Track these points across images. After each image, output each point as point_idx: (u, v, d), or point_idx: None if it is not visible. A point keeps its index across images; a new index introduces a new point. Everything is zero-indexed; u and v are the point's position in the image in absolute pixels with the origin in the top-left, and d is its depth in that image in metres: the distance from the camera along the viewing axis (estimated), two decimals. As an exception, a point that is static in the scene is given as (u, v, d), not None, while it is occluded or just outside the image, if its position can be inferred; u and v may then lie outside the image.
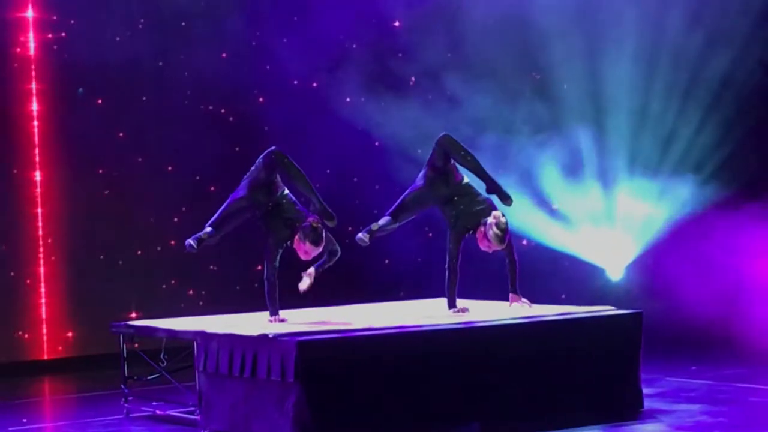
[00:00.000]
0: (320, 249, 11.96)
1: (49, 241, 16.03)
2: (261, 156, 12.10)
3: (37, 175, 16.02)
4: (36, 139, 16.08)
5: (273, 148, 12.10)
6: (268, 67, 16.99)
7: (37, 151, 16.00)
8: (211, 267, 16.15)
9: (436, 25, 17.15)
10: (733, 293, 15.50)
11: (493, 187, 12.44)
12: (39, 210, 15.98)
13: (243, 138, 16.37)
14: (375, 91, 17.02)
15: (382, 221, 12.39)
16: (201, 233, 12.08)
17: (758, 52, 16.61)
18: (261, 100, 16.92)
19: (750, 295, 15.52)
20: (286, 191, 12.11)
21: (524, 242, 16.31)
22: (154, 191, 16.47)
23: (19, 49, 15.98)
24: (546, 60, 17.10)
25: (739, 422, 11.42)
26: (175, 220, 16.38)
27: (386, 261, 16.32)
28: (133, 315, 15.10)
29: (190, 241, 12.07)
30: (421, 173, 12.54)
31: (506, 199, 12.46)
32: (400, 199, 12.52)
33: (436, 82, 17.18)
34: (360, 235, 12.33)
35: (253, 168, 12.13)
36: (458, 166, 12.45)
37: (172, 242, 16.13)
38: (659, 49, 16.86)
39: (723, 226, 16.01)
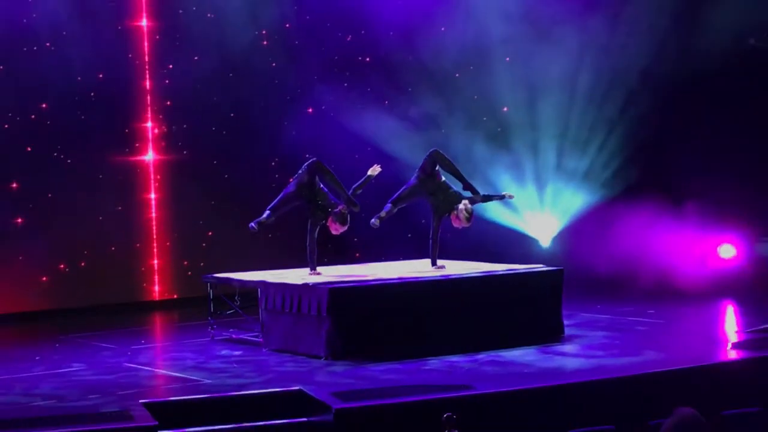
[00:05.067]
0: (346, 228, 12.01)
1: (163, 202, 15.82)
2: (305, 164, 12.17)
3: (150, 154, 15.75)
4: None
5: (314, 159, 12.17)
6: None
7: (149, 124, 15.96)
8: (270, 235, 16.13)
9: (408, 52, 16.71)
10: (625, 257, 15.49)
11: (468, 186, 12.49)
12: (152, 185, 15.83)
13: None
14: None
15: (386, 209, 12.36)
16: (261, 217, 12.11)
17: (650, 89, 16.61)
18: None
19: (636, 258, 15.51)
20: (322, 185, 12.17)
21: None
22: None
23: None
24: (497, 92, 17.09)
25: (630, 344, 11.46)
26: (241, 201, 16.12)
27: (409, 235, 15.96)
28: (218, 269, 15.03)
29: (253, 224, 12.11)
30: (414, 175, 12.56)
31: (477, 194, 12.53)
32: (398, 192, 12.48)
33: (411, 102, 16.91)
34: (373, 220, 12.28)
35: (299, 172, 12.17)
36: (440, 170, 12.48)
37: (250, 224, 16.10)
38: (576, 89, 16.82)
39: (620, 212, 16.01)
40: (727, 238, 16.26)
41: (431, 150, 12.51)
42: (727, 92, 16.23)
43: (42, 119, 15.01)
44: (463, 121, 16.89)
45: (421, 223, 14.91)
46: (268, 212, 12.12)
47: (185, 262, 15.86)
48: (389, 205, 12.39)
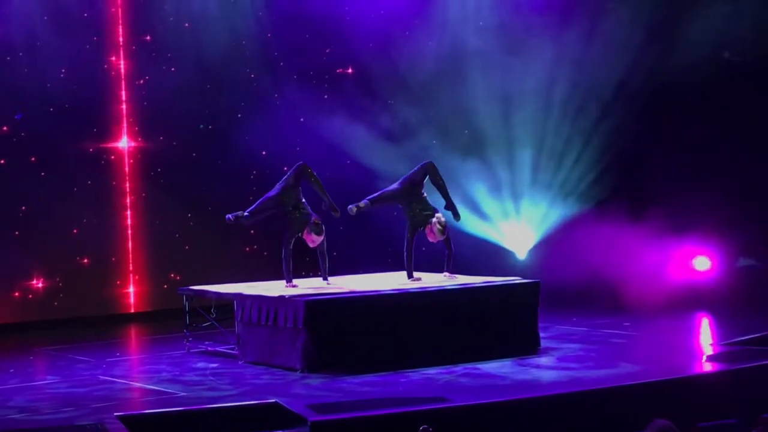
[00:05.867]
0: (322, 238, 12.00)
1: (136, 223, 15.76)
2: (293, 168, 12.19)
3: (126, 166, 15.72)
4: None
5: (301, 162, 12.21)
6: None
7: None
8: (246, 249, 16.14)
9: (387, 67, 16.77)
10: (601, 269, 15.52)
11: (450, 206, 12.54)
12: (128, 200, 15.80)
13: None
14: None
15: (364, 202, 12.39)
16: (240, 213, 12.13)
17: (625, 102, 16.69)
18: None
19: (611, 270, 15.54)
20: (303, 200, 12.15)
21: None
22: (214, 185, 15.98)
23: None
24: (473, 104, 17.10)
25: (605, 356, 11.50)
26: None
27: (389, 249, 15.64)
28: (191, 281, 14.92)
29: (230, 215, 12.16)
30: (401, 180, 12.58)
31: (457, 216, 12.59)
32: (380, 192, 12.57)
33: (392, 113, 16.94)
34: (351, 206, 12.36)
35: (285, 176, 12.20)
36: (423, 184, 12.46)
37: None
38: (551, 102, 16.88)
39: (595, 224, 16.07)
40: (701, 250, 16.32)
41: (426, 162, 12.57)
42: (702, 106, 16.31)
43: (15, 131, 14.93)
44: (439, 133, 16.87)
45: (398, 236, 14.91)
46: (246, 213, 12.15)
47: (161, 275, 15.79)
48: (367, 202, 12.43)
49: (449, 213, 12.56)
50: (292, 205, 12.06)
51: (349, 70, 16.86)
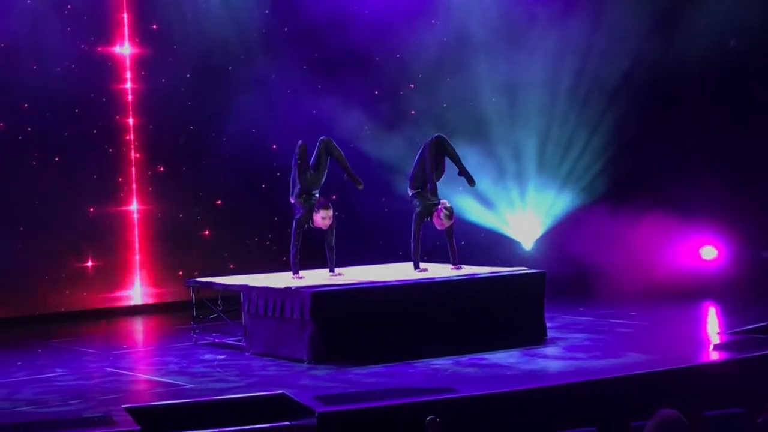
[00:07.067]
0: (330, 212, 11.96)
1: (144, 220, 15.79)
2: (317, 146, 12.11)
3: (132, 160, 15.70)
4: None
5: (324, 137, 12.20)
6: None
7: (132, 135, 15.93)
8: (256, 239, 16.15)
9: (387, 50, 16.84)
10: (607, 258, 15.53)
11: (464, 173, 12.49)
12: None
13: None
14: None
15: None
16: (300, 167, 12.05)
17: (631, 91, 16.70)
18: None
19: (618, 259, 15.54)
20: (317, 195, 12.11)
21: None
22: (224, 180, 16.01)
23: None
24: (477, 99, 17.08)
25: (612, 346, 11.49)
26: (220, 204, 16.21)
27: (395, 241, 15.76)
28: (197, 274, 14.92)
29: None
30: (430, 162, 12.46)
31: (471, 181, 12.55)
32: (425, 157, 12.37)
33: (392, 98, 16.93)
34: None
35: (314, 157, 12.12)
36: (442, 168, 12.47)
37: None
38: (558, 93, 16.89)
39: (602, 213, 16.09)
40: (708, 239, 16.33)
41: (433, 137, 12.44)
42: (708, 95, 16.31)
43: (20, 124, 14.91)
44: (444, 121, 16.85)
45: (404, 227, 14.94)
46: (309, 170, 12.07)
47: (168, 267, 15.78)
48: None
49: (452, 206, 12.51)
50: (308, 190, 12.02)
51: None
